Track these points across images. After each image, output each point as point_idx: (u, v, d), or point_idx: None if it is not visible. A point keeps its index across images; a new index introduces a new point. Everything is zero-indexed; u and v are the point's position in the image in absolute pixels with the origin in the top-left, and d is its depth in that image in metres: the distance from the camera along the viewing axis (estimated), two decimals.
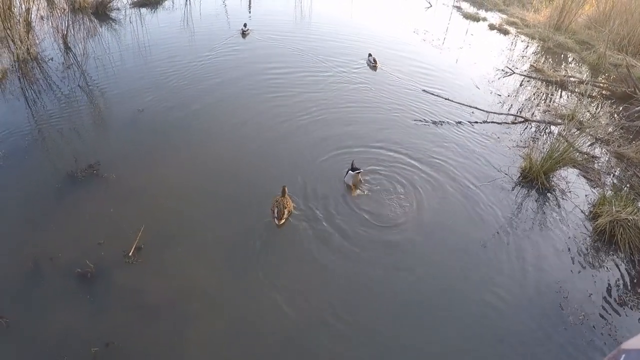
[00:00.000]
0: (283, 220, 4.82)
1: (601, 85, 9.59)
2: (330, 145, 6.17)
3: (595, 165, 6.64)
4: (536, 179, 5.92)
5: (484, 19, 13.70)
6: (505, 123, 7.44)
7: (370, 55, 9.54)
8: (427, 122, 7.12)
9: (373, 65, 9.32)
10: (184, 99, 7.18)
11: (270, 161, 5.81)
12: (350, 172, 5.41)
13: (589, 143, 7.16)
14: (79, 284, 3.99)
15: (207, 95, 7.38)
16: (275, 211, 4.84)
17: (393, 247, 4.68)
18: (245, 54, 9.25)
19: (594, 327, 4.11)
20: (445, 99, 7.84)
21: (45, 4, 11.44)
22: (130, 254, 4.30)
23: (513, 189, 5.81)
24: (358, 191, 5.41)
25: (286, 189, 4.97)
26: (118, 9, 11.89)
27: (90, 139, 6.08)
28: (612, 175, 6.58)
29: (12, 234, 4.51)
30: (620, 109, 8.66)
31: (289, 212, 4.91)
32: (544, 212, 5.47)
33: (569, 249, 4.94)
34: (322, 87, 7.93)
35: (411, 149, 6.30)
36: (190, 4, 12.73)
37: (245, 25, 10.71)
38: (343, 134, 6.50)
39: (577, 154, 6.60)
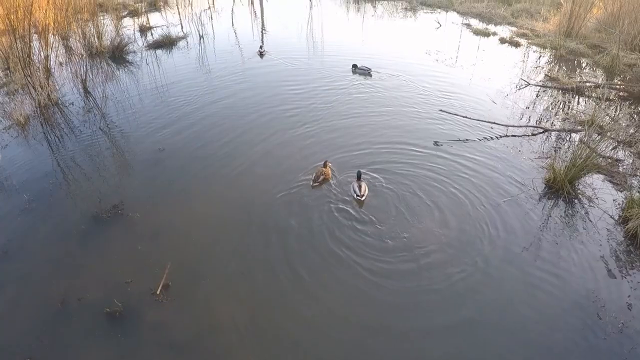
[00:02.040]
0: (316, 184, 6.07)
1: (617, 87, 9.65)
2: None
3: (620, 169, 6.68)
4: (561, 189, 6.03)
5: (494, 34, 13.92)
6: (525, 135, 7.58)
7: (355, 66, 10.37)
8: (446, 141, 7.31)
9: (368, 72, 10.13)
10: (204, 134, 7.60)
11: (291, 191, 6.06)
12: (354, 184, 5.94)
13: (612, 147, 7.22)
14: (108, 323, 4.23)
15: (225, 128, 7.82)
16: (313, 176, 6.13)
17: (416, 262, 4.84)
18: (261, 85, 9.81)
19: (634, 335, 4.13)
20: (463, 116, 8.05)
21: (64, 50, 12.18)
22: (158, 291, 4.51)
23: (539, 200, 5.93)
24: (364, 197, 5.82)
25: (328, 163, 6.29)
26: (134, 52, 12.57)
27: (114, 180, 6.43)
28: (638, 177, 6.60)
29: (40, 275, 4.80)
30: (639, 109, 8.70)
31: (324, 179, 6.13)
32: (573, 221, 5.56)
33: (601, 256, 5.01)
34: (342, 109, 8.30)
35: (433, 168, 6.51)
36: (204, 43, 13.42)
37: (261, 47, 11.95)
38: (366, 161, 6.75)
39: (600, 159, 6.65)
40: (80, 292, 4.54)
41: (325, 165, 6.26)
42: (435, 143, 7.23)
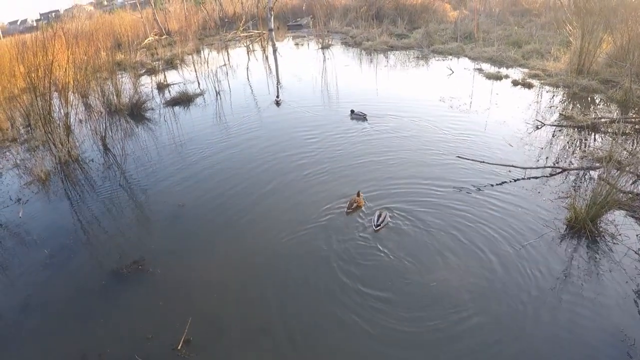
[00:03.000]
0: (350, 210, 6.85)
1: (633, 120, 9.76)
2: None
3: None
4: (583, 228, 6.12)
5: (506, 77, 14.28)
6: (544, 176, 7.72)
7: (352, 111, 11.14)
8: (465, 187, 7.51)
9: (363, 117, 10.90)
10: (223, 190, 7.91)
11: (312, 247, 6.24)
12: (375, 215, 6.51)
13: (632, 181, 7.27)
14: None
15: (242, 179, 8.17)
16: (347, 204, 6.92)
17: (439, 304, 4.96)
18: (279, 139, 10.22)
19: None
20: (481, 161, 8.26)
21: (83, 108, 12.96)
22: (179, 347, 4.62)
23: (561, 241, 6.03)
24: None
25: (361, 192, 7.05)
26: (152, 109, 13.32)
27: (134, 236, 6.72)
28: None
29: (59, 330, 5.01)
30: None
31: (357, 206, 6.91)
32: (597, 260, 5.63)
33: (627, 294, 5.04)
34: (362, 166, 8.50)
35: (452, 214, 6.71)
36: (220, 99, 14.18)
37: (277, 96, 13.14)
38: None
39: (621, 194, 6.73)
40: (101, 348, 4.70)
41: (358, 195, 7.05)
42: (454, 189, 7.44)
